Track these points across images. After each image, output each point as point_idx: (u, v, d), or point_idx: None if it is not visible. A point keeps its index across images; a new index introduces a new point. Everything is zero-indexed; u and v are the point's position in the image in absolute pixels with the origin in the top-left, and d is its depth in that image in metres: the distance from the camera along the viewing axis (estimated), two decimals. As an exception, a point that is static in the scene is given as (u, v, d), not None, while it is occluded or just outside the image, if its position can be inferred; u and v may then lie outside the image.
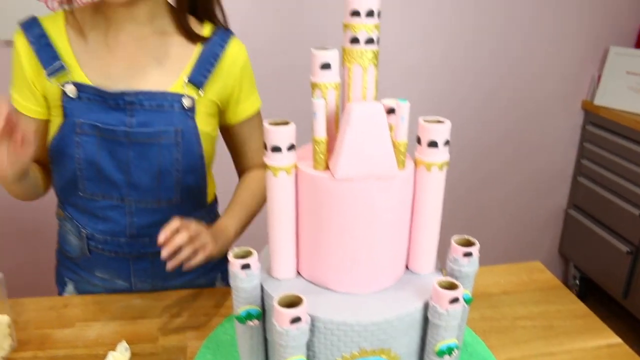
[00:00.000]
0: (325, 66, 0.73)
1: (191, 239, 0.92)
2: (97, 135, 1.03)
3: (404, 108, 0.72)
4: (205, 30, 1.10)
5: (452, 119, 0.76)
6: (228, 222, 1.10)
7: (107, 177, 1.06)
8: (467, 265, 0.79)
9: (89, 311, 1.09)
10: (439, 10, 2.34)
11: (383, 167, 0.71)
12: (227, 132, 1.19)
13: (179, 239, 0.89)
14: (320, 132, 0.72)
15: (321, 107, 0.71)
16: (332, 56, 0.73)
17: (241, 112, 1.16)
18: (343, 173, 0.71)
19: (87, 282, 1.20)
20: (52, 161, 1.08)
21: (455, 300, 0.72)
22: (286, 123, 0.73)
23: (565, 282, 2.94)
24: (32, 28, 1.04)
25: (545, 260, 2.91)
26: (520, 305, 1.09)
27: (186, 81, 1.06)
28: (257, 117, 1.19)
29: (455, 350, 0.75)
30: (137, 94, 1.02)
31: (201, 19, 1.11)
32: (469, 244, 0.80)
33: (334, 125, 0.76)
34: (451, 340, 0.75)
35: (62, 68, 1.02)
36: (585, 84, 2.62)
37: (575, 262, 2.80)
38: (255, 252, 0.78)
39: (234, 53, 1.10)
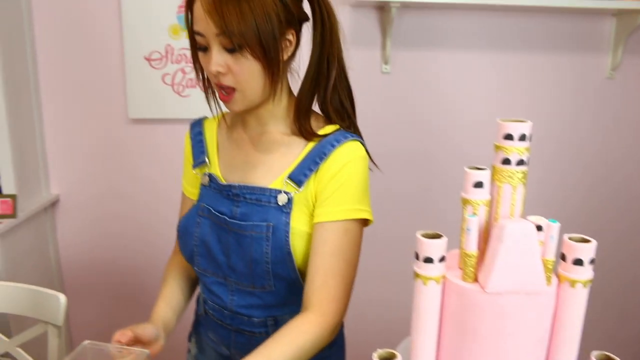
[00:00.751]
0: (478, 185, 0.78)
1: None
2: (210, 219, 1.16)
3: (554, 228, 0.76)
4: (327, 129, 1.13)
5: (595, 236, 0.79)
6: None
7: (214, 257, 1.16)
8: (608, 382, 0.80)
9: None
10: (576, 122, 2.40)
11: (532, 282, 0.75)
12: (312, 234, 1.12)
13: None
14: (472, 247, 0.77)
15: (475, 224, 0.76)
16: (485, 175, 0.78)
17: (322, 214, 1.09)
18: (494, 287, 0.74)
19: (204, 338, 1.32)
20: (179, 235, 1.22)
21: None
22: (438, 236, 0.78)
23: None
24: (196, 126, 1.27)
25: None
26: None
27: (287, 178, 1.10)
28: (340, 230, 1.09)
29: None
30: (241, 187, 1.13)
31: (330, 119, 1.15)
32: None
33: (482, 239, 0.81)
34: None
35: (204, 162, 1.21)
36: None
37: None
38: (399, 355, 0.82)
39: (342, 153, 1.09)
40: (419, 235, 0.78)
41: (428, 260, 0.77)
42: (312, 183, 1.10)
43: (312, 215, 1.11)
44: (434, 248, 0.77)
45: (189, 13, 1.03)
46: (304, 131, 1.12)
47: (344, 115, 1.16)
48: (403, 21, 2.31)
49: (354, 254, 1.11)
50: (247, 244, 1.10)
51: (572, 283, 0.78)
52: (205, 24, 0.99)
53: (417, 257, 0.78)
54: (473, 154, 2.43)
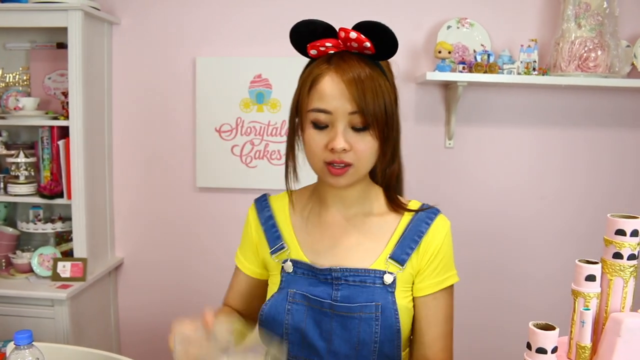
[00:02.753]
0: (590, 278, 0.80)
1: None
2: (306, 304, 1.11)
3: (670, 324, 0.77)
4: (413, 204, 1.19)
5: None
6: None
7: (310, 343, 1.13)
8: None
9: None
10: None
11: (650, 379, 0.75)
12: (415, 307, 1.17)
13: None
14: (587, 339, 0.78)
15: (590, 317, 0.78)
16: (596, 269, 0.80)
17: (426, 288, 1.14)
18: (611, 381, 0.75)
19: None
20: (262, 324, 1.15)
21: None
22: (552, 328, 0.79)
23: None
24: (264, 209, 1.23)
25: None
26: None
27: (388, 259, 1.12)
28: (444, 296, 1.16)
29: None
30: (343, 270, 1.12)
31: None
32: None
33: (594, 330, 0.82)
34: None
35: (282, 248, 1.17)
36: None
37: None
38: None
39: (438, 229, 1.15)
40: (531, 325, 0.79)
41: (541, 351, 0.79)
42: (414, 260, 1.14)
43: (411, 290, 1.16)
44: (548, 339, 0.78)
45: (305, 92, 1.05)
46: (397, 206, 1.17)
47: (401, 191, 1.24)
48: (466, 99, 2.38)
49: (453, 312, 1.21)
50: (354, 326, 1.11)
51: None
52: (337, 103, 1.01)
53: (529, 347, 0.80)
54: (534, 222, 2.46)
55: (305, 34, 1.04)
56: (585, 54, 2.20)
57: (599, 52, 2.20)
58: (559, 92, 2.39)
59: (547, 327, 0.79)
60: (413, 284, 1.16)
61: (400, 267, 1.13)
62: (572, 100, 2.41)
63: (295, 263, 1.15)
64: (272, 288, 1.18)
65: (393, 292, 1.12)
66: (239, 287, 1.29)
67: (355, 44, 1.01)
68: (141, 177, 2.53)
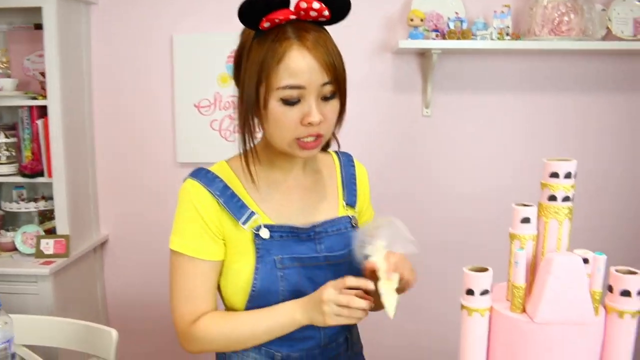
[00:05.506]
0: (526, 220, 0.83)
1: None
2: (298, 265, 1.14)
3: (600, 261, 0.79)
4: (332, 155, 1.30)
5: None
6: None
7: None
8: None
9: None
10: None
11: (581, 313, 0.78)
12: None
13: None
14: (521, 279, 0.81)
15: (523, 257, 0.80)
16: (532, 212, 0.83)
17: (369, 217, 1.32)
18: (543, 317, 0.78)
19: None
20: (254, 300, 1.13)
21: None
22: (485, 270, 0.82)
23: None
24: (214, 181, 1.13)
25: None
26: None
27: (345, 205, 1.24)
28: None
29: None
30: (324, 224, 1.18)
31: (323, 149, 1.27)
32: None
33: (529, 273, 0.84)
34: None
35: (253, 215, 1.13)
36: None
37: None
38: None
39: (361, 169, 1.31)
40: (465, 269, 0.82)
41: (471, 292, 0.81)
42: (358, 202, 1.28)
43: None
44: (478, 281, 0.81)
45: (272, 69, 1.01)
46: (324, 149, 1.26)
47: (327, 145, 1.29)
48: (442, 67, 2.39)
49: None
50: (346, 270, 1.15)
51: (620, 314, 0.80)
52: (309, 76, 1.01)
53: (464, 290, 0.83)
54: (513, 191, 2.46)
55: (261, 7, 1.00)
56: (558, 18, 2.21)
57: (572, 16, 2.21)
58: (535, 58, 2.41)
59: (482, 271, 0.82)
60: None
61: (354, 209, 1.26)
62: (547, 65, 2.42)
63: (271, 228, 1.14)
64: (245, 263, 1.13)
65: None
66: (208, 281, 1.16)
67: (314, 13, 1.02)
68: (123, 155, 2.55)
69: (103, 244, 2.62)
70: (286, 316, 1.10)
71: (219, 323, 1.14)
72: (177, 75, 2.43)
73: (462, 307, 0.83)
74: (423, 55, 2.39)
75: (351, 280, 1.02)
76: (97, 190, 2.58)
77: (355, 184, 1.28)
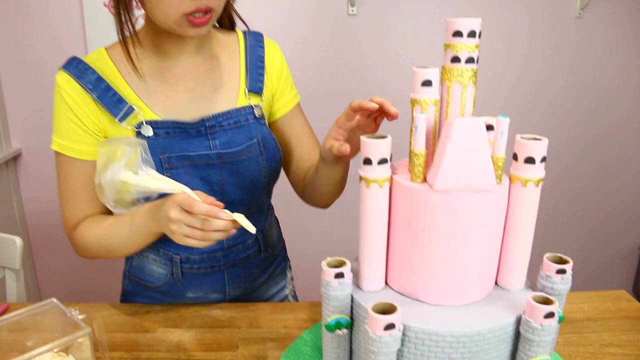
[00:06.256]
0: (427, 83, 0.76)
1: None
2: (187, 164, 1.04)
3: (504, 124, 0.74)
4: (239, 35, 1.16)
5: (548, 137, 0.78)
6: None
7: None
8: (560, 282, 0.79)
9: (170, 319, 1.13)
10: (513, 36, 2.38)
11: (482, 180, 0.73)
12: (275, 130, 1.21)
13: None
14: (420, 145, 0.75)
15: (422, 121, 0.74)
16: (433, 74, 0.76)
17: (284, 105, 1.19)
18: (442, 185, 0.73)
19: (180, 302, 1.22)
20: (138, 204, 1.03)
21: (550, 315, 0.72)
22: (383, 137, 0.75)
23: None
24: (85, 73, 1.01)
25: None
26: (607, 333, 1.07)
27: (247, 93, 1.11)
28: (300, 112, 1.22)
29: (548, 367, 0.75)
30: (217, 116, 1.06)
31: (227, 28, 1.17)
32: (561, 261, 0.81)
33: (431, 139, 0.79)
34: (544, 357, 0.75)
35: (132, 110, 1.02)
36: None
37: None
38: (348, 262, 0.80)
39: (271, 49, 1.17)
40: (363, 137, 0.76)
41: (368, 161, 0.76)
42: (267, 86, 1.15)
43: (271, 112, 1.19)
44: (375, 148, 0.75)
45: None
46: (231, 24, 1.16)
47: (234, 23, 1.19)
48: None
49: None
50: (245, 169, 1.08)
51: (524, 182, 0.77)
52: None
53: (362, 160, 0.77)
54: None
55: None
56: None
57: None
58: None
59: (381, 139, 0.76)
60: (271, 110, 1.18)
61: (261, 97, 1.13)
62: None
63: (154, 124, 1.03)
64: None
65: (265, 124, 1.13)
66: (91, 182, 1.04)
67: None
68: (29, 60, 2.34)
69: (16, 158, 2.46)
70: (142, 226, 0.97)
71: (92, 229, 1.06)
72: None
73: (360, 178, 0.77)
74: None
75: (200, 207, 0.85)
76: (4, 104, 2.38)
77: (262, 67, 1.14)
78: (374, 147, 0.74)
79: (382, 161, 0.75)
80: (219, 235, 0.88)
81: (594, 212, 2.73)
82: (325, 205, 1.18)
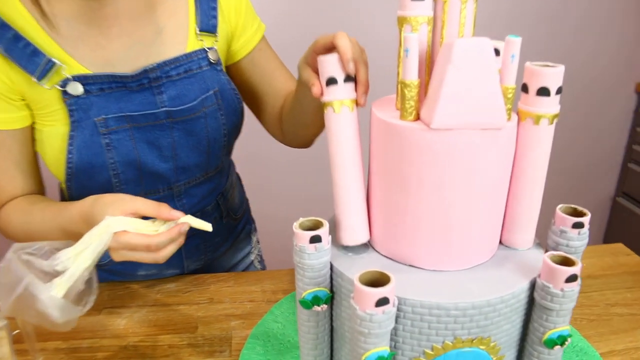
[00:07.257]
0: (418, -5, 0.61)
1: None
2: (129, 127, 0.86)
3: (514, 44, 0.59)
4: None
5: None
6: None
7: (151, 172, 0.91)
8: (577, 239, 0.67)
9: (116, 297, 0.97)
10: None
11: (489, 116, 0.59)
12: (240, 72, 1.03)
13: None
14: (412, 74, 0.60)
15: (414, 43, 0.59)
16: (426, -17, 0.61)
17: (248, 41, 1.00)
18: (441, 122, 0.58)
19: (130, 279, 1.07)
20: (74, 178, 0.88)
21: (572, 278, 0.59)
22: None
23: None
24: None
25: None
26: (610, 291, 0.96)
27: (198, 33, 0.91)
28: (266, 44, 1.04)
29: (569, 340, 0.63)
30: (162, 65, 0.87)
31: None
32: (576, 213, 0.68)
33: (424, 68, 0.64)
34: (564, 328, 0.62)
35: (52, 64, 0.81)
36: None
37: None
38: (326, 223, 0.66)
39: None
40: (321, 56, 0.62)
41: (333, 81, 0.62)
42: (222, 24, 0.95)
43: (230, 54, 1.01)
44: (339, 64, 0.62)
45: None
46: None
47: None
48: None
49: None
50: (201, 127, 0.91)
51: (536, 119, 0.63)
52: None
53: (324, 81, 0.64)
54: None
55: None
56: None
57: None
58: None
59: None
60: (230, 52, 0.99)
61: (215, 37, 0.93)
62: None
63: (84, 80, 0.83)
64: (57, 131, 0.85)
65: (222, 70, 0.94)
66: (10, 155, 0.87)
67: None
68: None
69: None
70: (76, 233, 0.77)
71: (15, 215, 0.87)
72: None
73: (325, 104, 0.64)
74: None
75: (135, 239, 0.70)
76: None
77: (215, 0, 0.93)
78: (338, 62, 0.61)
79: (349, 79, 0.63)
80: (169, 252, 0.73)
81: (567, 164, 2.65)
82: (310, 139, 1.02)
